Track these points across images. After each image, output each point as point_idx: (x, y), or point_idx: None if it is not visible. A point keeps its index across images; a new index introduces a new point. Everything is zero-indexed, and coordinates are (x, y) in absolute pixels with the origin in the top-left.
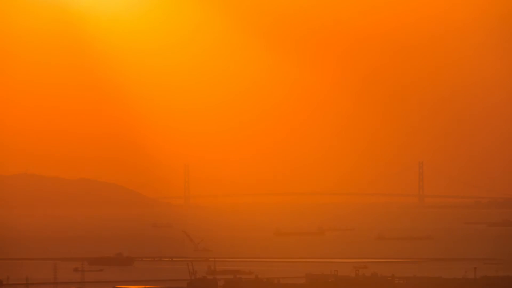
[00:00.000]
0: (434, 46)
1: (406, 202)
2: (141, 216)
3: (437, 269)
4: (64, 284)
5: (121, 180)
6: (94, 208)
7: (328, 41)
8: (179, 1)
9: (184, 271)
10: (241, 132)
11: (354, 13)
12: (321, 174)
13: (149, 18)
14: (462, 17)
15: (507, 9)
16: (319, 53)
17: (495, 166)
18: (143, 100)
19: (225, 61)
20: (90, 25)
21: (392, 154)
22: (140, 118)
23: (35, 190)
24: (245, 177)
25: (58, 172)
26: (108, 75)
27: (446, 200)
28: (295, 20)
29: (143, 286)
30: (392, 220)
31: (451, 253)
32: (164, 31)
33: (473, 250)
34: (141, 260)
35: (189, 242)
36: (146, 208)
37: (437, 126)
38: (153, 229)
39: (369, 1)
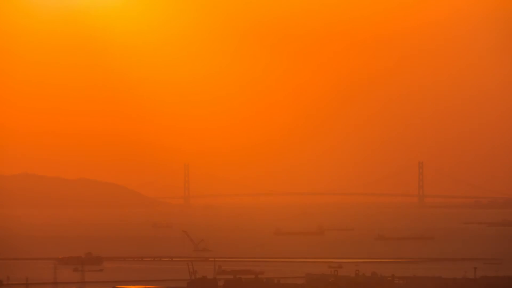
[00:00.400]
0: (434, 46)
1: (406, 202)
2: (141, 216)
3: (437, 269)
4: (64, 284)
5: (121, 180)
6: (94, 208)
7: (329, 40)
8: (177, 1)
9: (184, 271)
10: (241, 132)
11: (360, 13)
12: (321, 174)
13: (145, 18)
14: (459, 18)
15: (509, 12)
16: (319, 53)
17: (495, 166)
18: (143, 100)
19: (225, 60)
20: (86, 26)
21: (392, 154)
22: (140, 118)
23: (35, 190)
24: (245, 177)
25: (58, 172)
26: (107, 76)
27: (446, 200)
28: (295, 19)
29: (143, 286)
30: (392, 220)
31: (451, 253)
32: (161, 31)
33: (473, 250)
34: (142, 260)
35: (189, 242)
36: (146, 208)
37: (437, 126)
38: (153, 229)
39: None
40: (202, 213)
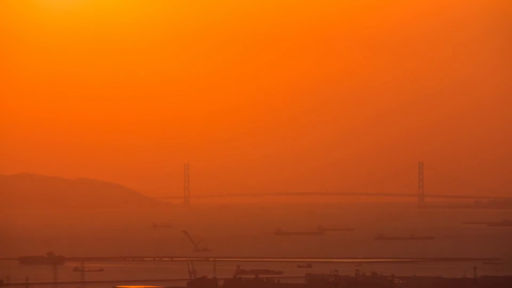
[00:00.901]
0: (434, 46)
1: (406, 202)
2: (141, 216)
3: (437, 269)
4: (64, 284)
5: (121, 180)
6: (94, 208)
7: (329, 38)
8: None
9: (184, 271)
10: (241, 132)
11: (356, 11)
12: (321, 174)
13: (144, 17)
14: (455, 14)
15: (501, 6)
16: (322, 52)
17: (495, 166)
18: (143, 100)
19: (227, 60)
20: (86, 27)
21: (392, 154)
22: (140, 117)
23: (35, 190)
24: (245, 177)
25: (58, 172)
26: (107, 75)
27: (446, 200)
28: (295, 18)
29: (143, 286)
30: (392, 220)
31: (451, 253)
32: (160, 31)
33: (473, 250)
34: (142, 260)
35: (189, 242)
36: (146, 208)
37: (437, 126)
38: (153, 229)
39: None
40: (202, 213)
